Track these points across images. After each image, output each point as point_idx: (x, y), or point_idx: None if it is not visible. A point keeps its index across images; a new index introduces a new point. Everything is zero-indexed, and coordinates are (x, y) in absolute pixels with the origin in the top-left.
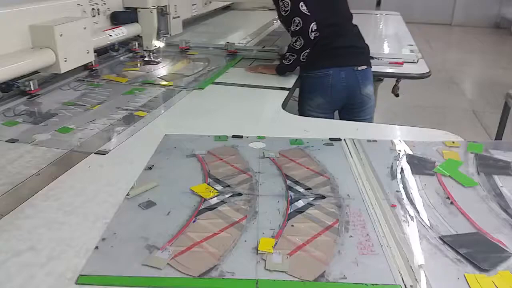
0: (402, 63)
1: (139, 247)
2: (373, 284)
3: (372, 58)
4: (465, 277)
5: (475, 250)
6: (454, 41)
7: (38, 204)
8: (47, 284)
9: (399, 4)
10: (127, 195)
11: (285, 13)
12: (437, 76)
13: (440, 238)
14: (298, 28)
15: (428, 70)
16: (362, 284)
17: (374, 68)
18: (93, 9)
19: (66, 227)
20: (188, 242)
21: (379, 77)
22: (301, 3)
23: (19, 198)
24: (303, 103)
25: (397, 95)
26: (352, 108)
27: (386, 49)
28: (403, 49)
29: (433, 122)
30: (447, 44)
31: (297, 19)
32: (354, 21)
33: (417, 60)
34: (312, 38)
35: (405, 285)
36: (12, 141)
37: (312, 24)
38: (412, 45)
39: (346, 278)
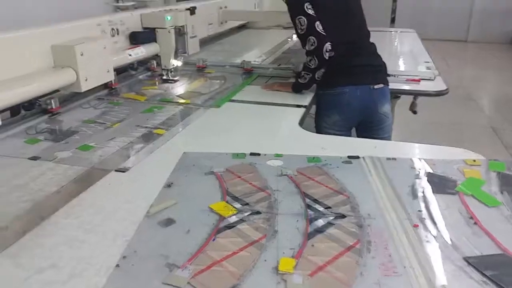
0: (419, 80)
1: (159, 265)
2: None
3: (389, 75)
4: None
5: (502, 272)
6: (470, 58)
7: (59, 221)
8: None
9: (413, 21)
10: (147, 212)
11: (301, 31)
12: (454, 93)
13: (465, 259)
14: (313, 47)
15: (445, 87)
16: None
17: (391, 86)
18: (112, 29)
19: (86, 245)
20: (208, 261)
21: (396, 94)
22: (317, 22)
23: (41, 216)
24: (320, 121)
25: (415, 112)
26: (370, 126)
27: (402, 66)
28: (419, 66)
29: (451, 139)
30: (463, 60)
31: (312, 38)
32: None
33: (434, 77)
34: (327, 58)
35: None
36: (34, 158)
37: (326, 44)
38: (428, 62)
39: None
